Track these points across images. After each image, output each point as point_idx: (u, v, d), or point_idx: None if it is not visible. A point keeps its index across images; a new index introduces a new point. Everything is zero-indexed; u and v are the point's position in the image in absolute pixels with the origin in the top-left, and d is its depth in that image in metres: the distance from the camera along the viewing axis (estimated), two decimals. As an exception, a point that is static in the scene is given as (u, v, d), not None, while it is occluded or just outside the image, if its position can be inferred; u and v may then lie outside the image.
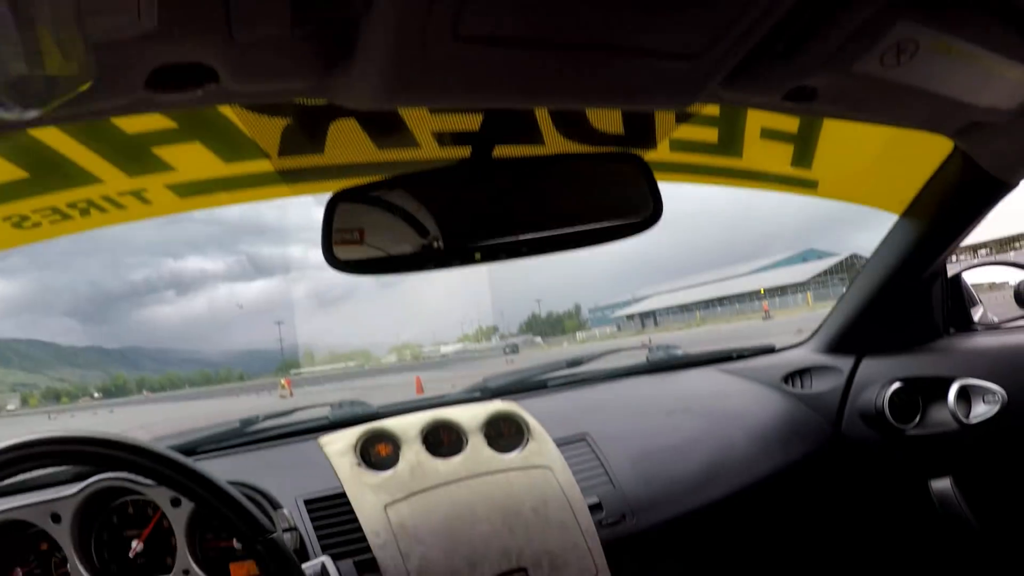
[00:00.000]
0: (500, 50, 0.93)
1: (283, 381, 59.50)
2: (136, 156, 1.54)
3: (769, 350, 2.77)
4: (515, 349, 68.57)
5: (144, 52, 0.82)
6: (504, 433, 2.05)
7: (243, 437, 2.16)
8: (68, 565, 1.63)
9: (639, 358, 2.75)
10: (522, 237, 1.46)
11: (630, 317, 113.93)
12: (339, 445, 1.95)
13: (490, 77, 1.01)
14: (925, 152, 2.00)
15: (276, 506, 1.68)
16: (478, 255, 1.44)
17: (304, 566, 1.33)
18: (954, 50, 1.20)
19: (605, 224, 1.52)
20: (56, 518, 1.61)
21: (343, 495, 1.81)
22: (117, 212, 1.68)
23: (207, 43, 0.84)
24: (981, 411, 2.16)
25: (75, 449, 1.16)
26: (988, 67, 1.29)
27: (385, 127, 1.55)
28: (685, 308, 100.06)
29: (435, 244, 1.45)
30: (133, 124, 1.47)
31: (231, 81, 0.92)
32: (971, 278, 2.48)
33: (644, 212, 1.52)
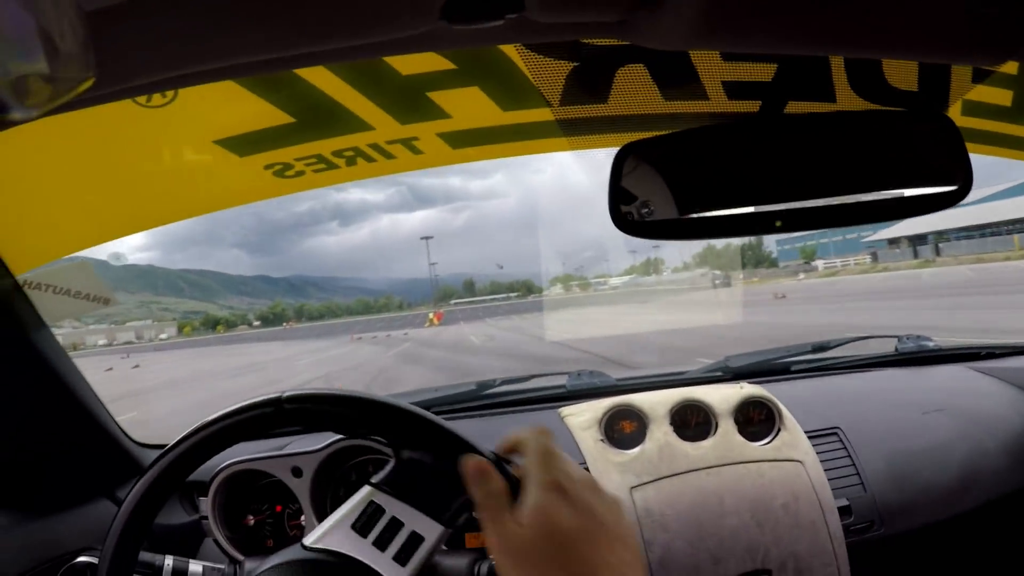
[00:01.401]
0: None
1: (431, 315, 62.46)
2: (410, 101, 1.49)
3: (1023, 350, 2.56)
4: (727, 282, 67.11)
5: None
6: (754, 419, 1.95)
7: (479, 400, 2.18)
8: (303, 517, 1.69)
9: (887, 347, 2.59)
10: (824, 203, 1.36)
11: (892, 242, 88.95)
12: (583, 418, 1.90)
13: (807, 20, 0.92)
14: None
15: None
16: (779, 223, 1.34)
17: None
18: None
19: (910, 193, 1.39)
20: (297, 472, 1.66)
21: (586, 471, 1.75)
22: (386, 162, 1.64)
23: None
24: None
25: (331, 410, 1.10)
26: None
27: (674, 76, 1.46)
28: (965, 233, 74.46)
29: (727, 207, 1.35)
30: (408, 65, 1.41)
31: (536, 10, 0.85)
32: None
33: (954, 180, 1.38)
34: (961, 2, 0.91)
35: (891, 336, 2.62)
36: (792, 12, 0.89)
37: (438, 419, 1.06)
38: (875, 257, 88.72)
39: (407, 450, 1.03)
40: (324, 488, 1.69)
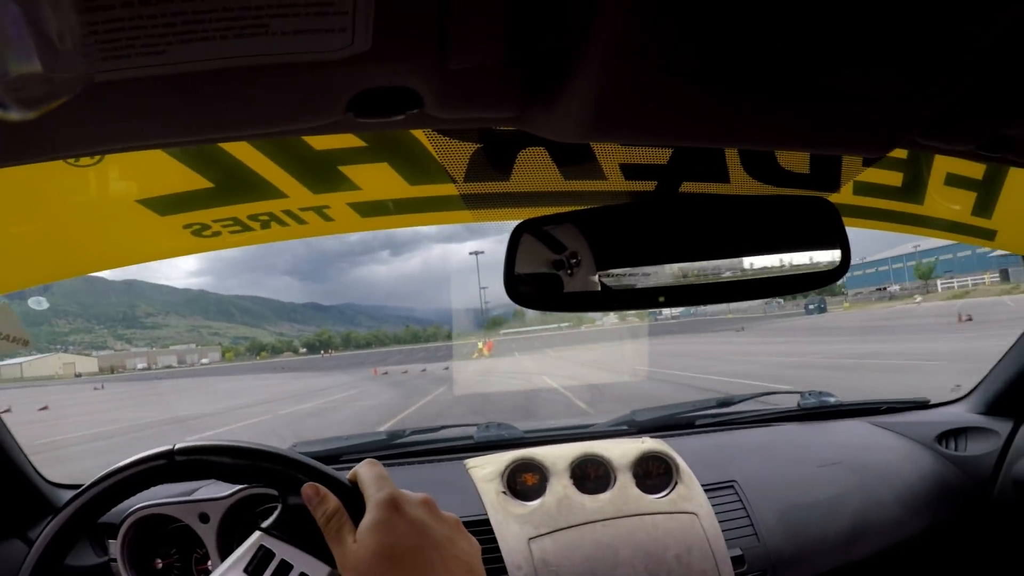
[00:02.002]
0: (709, 88, 0.91)
1: (481, 345, 57.28)
2: (322, 173, 1.58)
3: (923, 405, 2.71)
4: (822, 308, 65.40)
5: (351, 75, 0.83)
6: (652, 473, 2.04)
7: (388, 449, 2.24)
8: (209, 562, 1.73)
9: (790, 402, 2.71)
10: (708, 282, 1.44)
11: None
12: (487, 470, 1.97)
13: (695, 116, 0.99)
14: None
15: None
16: (661, 298, 1.42)
17: None
18: None
19: (791, 271, 1.49)
20: (204, 517, 1.70)
21: (486, 522, 1.84)
22: (298, 227, 1.72)
23: (417, 69, 0.84)
24: None
25: (217, 460, 1.17)
26: None
27: (573, 158, 1.56)
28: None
29: (616, 283, 1.44)
30: (322, 141, 1.50)
31: (434, 107, 0.92)
32: None
33: (831, 260, 1.49)
34: (843, 102, 1.00)
35: (794, 392, 2.75)
36: (679, 112, 0.96)
37: (318, 464, 1.11)
38: (1006, 276, 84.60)
39: (292, 496, 1.08)
40: (231, 534, 1.73)
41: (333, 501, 1.00)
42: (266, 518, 1.73)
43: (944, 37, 0.86)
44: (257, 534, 1.08)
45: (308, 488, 1.02)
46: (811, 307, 64.45)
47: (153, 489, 1.18)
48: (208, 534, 1.69)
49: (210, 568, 1.74)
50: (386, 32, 0.74)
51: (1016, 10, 0.80)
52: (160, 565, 1.81)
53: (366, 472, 1.03)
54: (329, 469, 1.10)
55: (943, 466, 2.37)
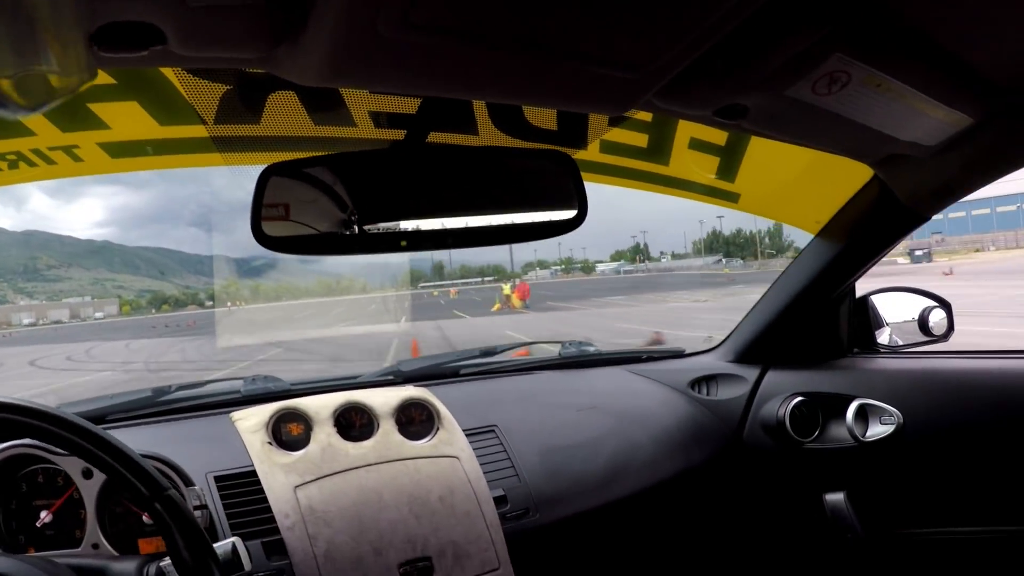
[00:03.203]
0: (448, 41, 0.99)
1: (508, 290, 47.01)
2: (71, 111, 1.59)
3: (679, 354, 2.96)
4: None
5: (90, 7, 0.84)
6: (415, 420, 2.14)
7: (154, 407, 2.21)
8: None
9: (551, 352, 2.89)
10: (448, 226, 1.53)
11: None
12: (251, 422, 2.01)
13: (434, 67, 1.07)
14: (844, 176, 2.17)
15: (188, 483, 1.72)
16: (404, 242, 1.51)
17: (215, 546, 1.36)
18: (883, 85, 1.35)
19: (531, 220, 1.61)
20: None
21: (253, 473, 1.88)
22: (46, 168, 1.72)
23: (158, 3, 0.87)
24: (877, 431, 2.37)
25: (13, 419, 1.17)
26: (914, 105, 1.45)
27: (323, 103, 1.63)
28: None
29: (362, 227, 1.51)
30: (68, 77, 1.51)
31: (178, 45, 0.95)
32: (880, 302, 2.61)
33: (570, 211, 1.61)
34: (581, 62, 1.09)
35: (555, 342, 2.94)
36: (419, 62, 1.04)
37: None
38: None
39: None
40: None
41: None
42: (31, 481, 1.69)
43: (676, 7, 0.98)
44: None
45: None
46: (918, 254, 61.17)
47: None
48: None
49: None
50: None
51: None
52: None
53: None
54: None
55: (697, 410, 2.61)
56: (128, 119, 1.63)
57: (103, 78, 1.53)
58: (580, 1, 0.95)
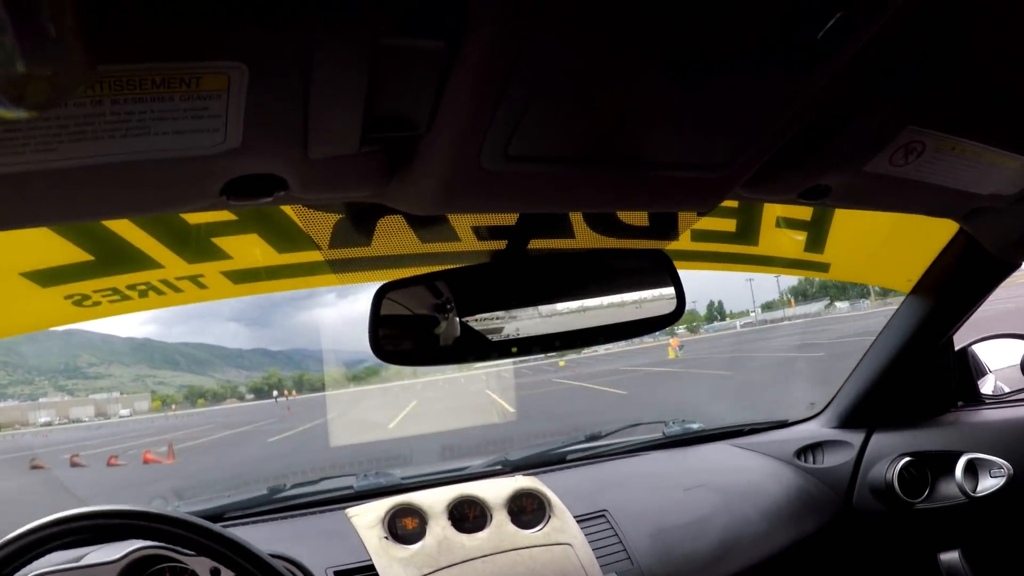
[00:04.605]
0: (543, 167, 1.07)
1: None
2: (196, 245, 1.73)
3: (782, 424, 2.95)
4: None
5: (223, 166, 0.92)
6: (527, 509, 2.20)
7: (270, 504, 2.31)
8: None
9: (655, 431, 2.91)
10: (554, 331, 1.59)
11: None
12: (367, 518, 2.09)
13: (533, 190, 1.14)
14: (931, 233, 2.19)
15: None
16: (514, 348, 1.58)
17: None
18: (958, 148, 1.37)
19: (632, 319, 1.67)
20: None
21: (372, 567, 1.95)
22: (174, 295, 1.85)
23: (283, 159, 0.95)
24: (988, 484, 2.33)
25: (105, 523, 1.25)
26: (990, 160, 1.46)
27: (428, 223, 1.73)
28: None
29: (472, 337, 1.59)
30: (195, 215, 1.65)
31: (299, 190, 1.04)
32: (981, 351, 2.62)
33: (668, 306, 1.68)
34: (667, 170, 1.15)
35: (659, 422, 2.97)
36: (518, 187, 1.11)
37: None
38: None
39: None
40: None
41: None
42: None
43: (749, 111, 1.04)
44: None
45: None
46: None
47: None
48: None
49: None
50: (254, 131, 0.85)
51: (807, 81, 0.97)
52: None
53: None
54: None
55: (803, 479, 2.62)
56: (249, 249, 1.77)
57: (225, 215, 1.67)
58: (660, 118, 1.01)
